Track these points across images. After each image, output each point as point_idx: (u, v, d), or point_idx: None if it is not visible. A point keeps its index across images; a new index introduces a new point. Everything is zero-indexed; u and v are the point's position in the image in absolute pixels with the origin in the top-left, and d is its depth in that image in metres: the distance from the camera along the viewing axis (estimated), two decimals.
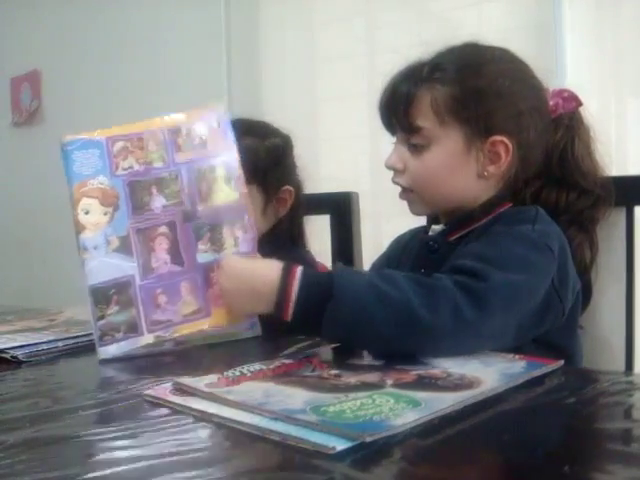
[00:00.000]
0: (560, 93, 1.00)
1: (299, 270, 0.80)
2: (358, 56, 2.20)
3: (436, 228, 1.00)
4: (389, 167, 0.97)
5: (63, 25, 2.87)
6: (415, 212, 1.01)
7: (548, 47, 1.79)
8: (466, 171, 0.94)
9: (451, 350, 0.75)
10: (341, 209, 1.38)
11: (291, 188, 1.31)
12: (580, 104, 1.00)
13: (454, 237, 0.96)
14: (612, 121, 1.77)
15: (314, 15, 2.31)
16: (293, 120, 1.52)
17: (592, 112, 1.01)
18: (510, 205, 0.96)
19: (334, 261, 1.38)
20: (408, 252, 1.07)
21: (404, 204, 1.01)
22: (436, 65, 0.94)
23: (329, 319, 0.76)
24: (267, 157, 1.28)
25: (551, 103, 0.98)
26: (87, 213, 0.92)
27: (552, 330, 0.88)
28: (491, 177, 0.94)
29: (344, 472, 0.48)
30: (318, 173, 1.94)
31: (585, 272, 0.97)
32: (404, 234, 1.13)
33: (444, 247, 0.95)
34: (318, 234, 1.41)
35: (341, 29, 2.24)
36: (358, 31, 2.21)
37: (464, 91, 0.92)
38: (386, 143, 1.01)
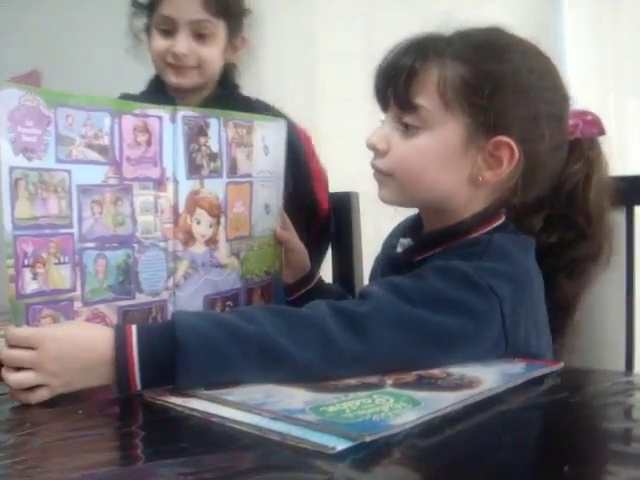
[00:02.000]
0: (582, 115, 0.85)
1: (134, 328, 0.68)
2: (358, 56, 2.20)
3: (404, 242, 0.89)
4: (370, 145, 0.83)
5: (63, 25, 2.87)
6: (385, 198, 0.85)
7: (548, 47, 1.79)
8: (458, 170, 0.79)
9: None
10: (341, 209, 1.38)
11: None
12: (603, 132, 0.87)
13: (420, 257, 0.83)
14: (612, 121, 1.77)
15: (314, 15, 2.31)
16: (293, 120, 1.52)
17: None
18: (502, 221, 0.83)
19: (334, 261, 1.38)
20: (378, 264, 0.98)
21: None
22: (451, 39, 0.81)
23: (181, 370, 0.66)
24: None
25: (570, 123, 0.85)
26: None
27: None
28: (484, 185, 0.80)
29: (344, 472, 0.48)
30: None
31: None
32: (386, 238, 1.00)
33: (407, 267, 0.81)
34: None
35: (341, 29, 2.24)
36: (358, 31, 2.21)
37: (478, 73, 0.77)
38: None
